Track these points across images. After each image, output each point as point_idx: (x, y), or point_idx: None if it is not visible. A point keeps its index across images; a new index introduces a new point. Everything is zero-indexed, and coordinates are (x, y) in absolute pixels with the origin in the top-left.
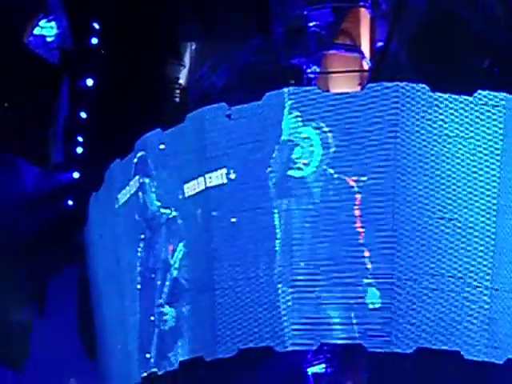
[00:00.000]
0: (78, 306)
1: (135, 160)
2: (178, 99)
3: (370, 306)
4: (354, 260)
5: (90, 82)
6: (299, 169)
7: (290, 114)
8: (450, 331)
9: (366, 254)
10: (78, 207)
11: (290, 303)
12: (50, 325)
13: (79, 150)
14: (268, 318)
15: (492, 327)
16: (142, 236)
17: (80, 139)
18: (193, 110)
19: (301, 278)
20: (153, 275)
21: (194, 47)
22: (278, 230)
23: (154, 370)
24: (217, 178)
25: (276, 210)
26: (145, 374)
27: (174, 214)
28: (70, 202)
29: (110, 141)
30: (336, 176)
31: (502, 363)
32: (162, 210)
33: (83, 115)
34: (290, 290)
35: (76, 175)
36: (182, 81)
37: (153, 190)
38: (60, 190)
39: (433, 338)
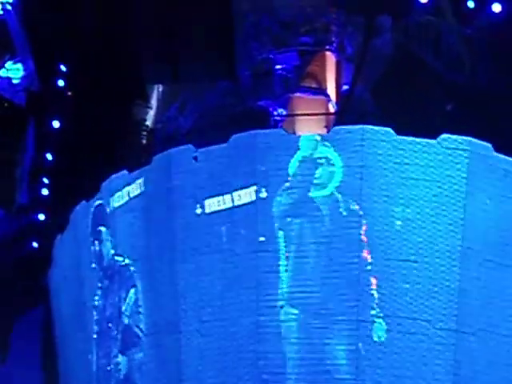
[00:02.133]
0: (41, 349)
1: (92, 209)
2: (144, 141)
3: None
4: None
5: (56, 124)
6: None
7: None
8: (416, 373)
9: None
10: (43, 249)
11: (257, 347)
12: (14, 369)
13: (45, 191)
14: (235, 361)
15: (458, 370)
16: (100, 284)
17: (46, 181)
18: (159, 151)
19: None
20: (110, 324)
21: (160, 89)
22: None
23: None
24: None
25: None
26: None
27: (127, 261)
28: (35, 244)
29: (76, 183)
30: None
31: None
32: (116, 258)
33: (49, 157)
34: (256, 334)
35: (41, 217)
36: (148, 122)
37: (109, 238)
38: (25, 231)
39: (399, 381)
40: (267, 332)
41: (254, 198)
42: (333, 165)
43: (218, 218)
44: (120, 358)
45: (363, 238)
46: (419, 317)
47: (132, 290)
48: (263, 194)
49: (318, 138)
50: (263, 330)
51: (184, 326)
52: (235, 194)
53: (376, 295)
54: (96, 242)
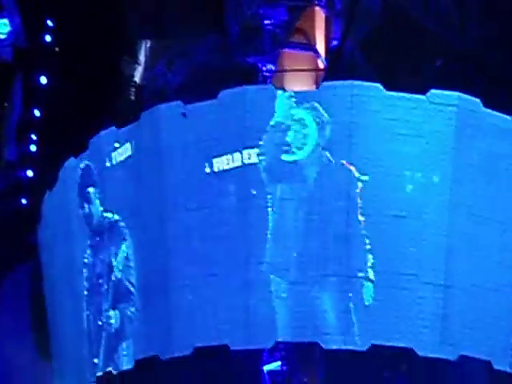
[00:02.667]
0: (30, 305)
1: (79, 170)
2: (132, 97)
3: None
4: None
5: (43, 80)
6: (292, 152)
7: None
8: (404, 328)
9: None
10: (32, 206)
11: (247, 302)
12: (3, 324)
13: (33, 147)
14: (224, 316)
15: (445, 324)
16: (89, 242)
17: (34, 137)
18: (148, 108)
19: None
20: (100, 280)
21: (148, 45)
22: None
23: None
24: None
25: (269, 200)
26: (100, 374)
27: (116, 217)
28: (24, 201)
29: (65, 139)
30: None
31: (455, 360)
32: (105, 214)
33: (37, 113)
34: (246, 290)
35: (30, 173)
36: (136, 78)
37: (97, 196)
38: (13, 188)
39: (387, 335)
40: (257, 287)
41: (239, 163)
42: (306, 126)
43: (212, 176)
44: (111, 313)
45: (357, 196)
46: (407, 271)
47: (124, 244)
48: (253, 159)
49: (294, 99)
50: (252, 286)
51: (174, 281)
52: (224, 157)
53: (366, 249)
54: (85, 205)
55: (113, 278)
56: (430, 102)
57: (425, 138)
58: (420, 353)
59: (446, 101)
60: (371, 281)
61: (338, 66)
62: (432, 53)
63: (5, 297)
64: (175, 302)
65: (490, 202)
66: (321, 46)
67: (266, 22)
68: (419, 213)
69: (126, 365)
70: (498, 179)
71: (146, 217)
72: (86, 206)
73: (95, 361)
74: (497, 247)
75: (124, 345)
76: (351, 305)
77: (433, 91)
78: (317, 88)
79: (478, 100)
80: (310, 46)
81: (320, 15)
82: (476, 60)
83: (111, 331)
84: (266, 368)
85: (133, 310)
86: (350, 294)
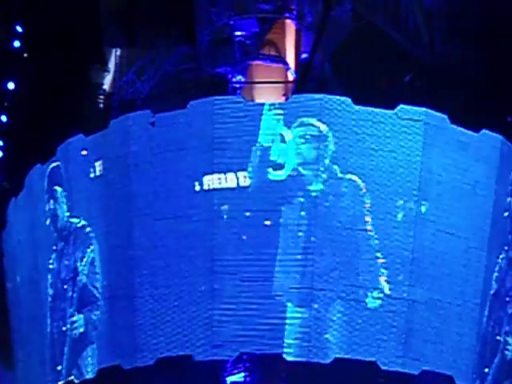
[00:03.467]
0: None
1: (48, 170)
2: (101, 105)
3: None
4: None
5: (11, 86)
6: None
7: (270, 110)
8: (367, 342)
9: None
10: None
11: (211, 313)
12: None
13: None
14: (188, 326)
15: (408, 339)
16: (54, 247)
17: (0, 143)
18: (116, 116)
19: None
20: (65, 286)
21: (118, 53)
22: None
23: (70, 378)
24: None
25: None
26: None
27: (83, 222)
28: None
29: (31, 145)
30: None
31: (417, 374)
32: (71, 220)
33: (3, 118)
34: (210, 300)
35: None
36: (106, 86)
37: (64, 200)
38: None
39: (350, 349)
40: (222, 296)
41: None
42: (285, 142)
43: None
44: (76, 317)
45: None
46: (370, 285)
47: (89, 248)
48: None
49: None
50: (218, 295)
51: (138, 289)
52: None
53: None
54: (51, 201)
55: (78, 283)
56: (398, 117)
57: (392, 153)
58: (382, 366)
59: (413, 116)
60: (338, 296)
61: (308, 79)
62: (401, 67)
63: None
64: (139, 311)
65: (456, 218)
66: (291, 58)
67: (237, 33)
68: (387, 227)
69: (90, 373)
70: (463, 195)
71: (114, 223)
72: (51, 203)
73: (58, 368)
74: (461, 263)
75: (88, 350)
76: (315, 318)
77: (401, 106)
78: (286, 100)
79: (445, 116)
80: (280, 58)
81: (290, 28)
82: (443, 76)
83: (75, 336)
84: (230, 379)
85: (97, 313)
86: (316, 306)
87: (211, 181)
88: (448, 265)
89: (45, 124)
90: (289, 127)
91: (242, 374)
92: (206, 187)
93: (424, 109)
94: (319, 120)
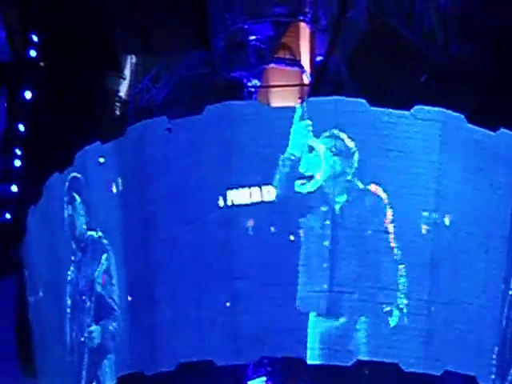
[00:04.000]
0: (15, 321)
1: (68, 179)
2: (117, 112)
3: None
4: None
5: (28, 95)
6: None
7: (302, 121)
8: (389, 343)
9: None
10: (16, 221)
11: (232, 318)
12: None
13: (17, 162)
14: (209, 331)
15: (429, 339)
16: (73, 258)
17: (18, 152)
18: (133, 123)
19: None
20: (83, 297)
21: (134, 60)
22: None
23: None
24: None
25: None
26: None
27: (100, 234)
28: (8, 216)
29: (49, 154)
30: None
31: (440, 375)
32: (89, 233)
33: (21, 128)
34: (229, 303)
35: (14, 188)
36: (122, 93)
37: (82, 212)
38: None
39: (372, 350)
40: (241, 303)
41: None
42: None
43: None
44: (93, 327)
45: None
46: (391, 287)
47: (104, 256)
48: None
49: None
50: (237, 302)
51: (157, 297)
52: None
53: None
54: (70, 207)
55: (94, 294)
56: (415, 117)
57: (410, 153)
58: (405, 368)
59: (430, 116)
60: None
61: (323, 82)
62: (417, 68)
63: None
64: (159, 318)
65: (474, 217)
66: (306, 62)
67: (251, 37)
68: (405, 229)
69: (109, 381)
70: (481, 194)
71: (130, 232)
72: (70, 209)
73: (79, 380)
74: (481, 263)
75: (106, 361)
76: (339, 323)
77: (417, 107)
78: (301, 103)
79: (462, 116)
80: (295, 62)
81: (305, 31)
82: (458, 76)
83: (93, 346)
84: None
85: (115, 325)
86: (339, 311)
87: (232, 194)
88: (468, 265)
89: (62, 132)
90: (317, 137)
91: (264, 379)
92: (228, 200)
93: (440, 109)
94: (347, 135)
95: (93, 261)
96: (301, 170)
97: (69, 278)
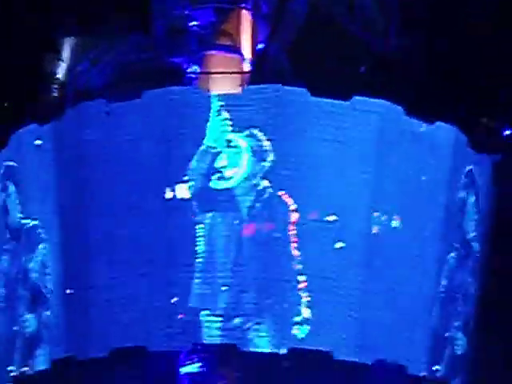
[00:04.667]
0: None
1: (2, 167)
2: (55, 94)
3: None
4: None
5: None
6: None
7: (218, 115)
8: (322, 331)
9: None
10: None
11: (166, 304)
12: None
13: None
14: (142, 317)
15: (362, 328)
16: (5, 247)
17: None
18: (71, 105)
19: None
20: (16, 286)
21: (72, 42)
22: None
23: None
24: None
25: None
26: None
27: (34, 222)
28: None
29: None
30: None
31: (371, 364)
32: (23, 221)
33: None
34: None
35: None
36: (60, 75)
37: (16, 200)
38: None
39: (306, 338)
40: (178, 289)
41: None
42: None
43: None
44: (28, 316)
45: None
46: (327, 275)
47: (40, 246)
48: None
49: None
50: (174, 288)
51: (92, 283)
52: None
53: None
54: (3, 195)
55: (28, 282)
56: (354, 108)
57: (348, 144)
58: (337, 356)
59: (369, 107)
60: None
61: (264, 69)
62: (357, 58)
63: None
64: (93, 301)
65: (409, 210)
66: (247, 49)
67: (192, 23)
68: (342, 217)
69: (42, 365)
70: (416, 187)
71: (66, 219)
72: (3, 196)
73: (9, 368)
74: (414, 254)
75: (40, 350)
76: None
77: (356, 98)
78: (242, 91)
79: (400, 108)
80: (236, 49)
81: (246, 18)
82: (398, 67)
83: (26, 336)
84: (184, 370)
85: (48, 313)
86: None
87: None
88: (401, 255)
89: None
90: (237, 132)
91: (197, 365)
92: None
93: (379, 100)
94: (264, 135)
95: (27, 250)
96: (217, 164)
97: (1, 267)
